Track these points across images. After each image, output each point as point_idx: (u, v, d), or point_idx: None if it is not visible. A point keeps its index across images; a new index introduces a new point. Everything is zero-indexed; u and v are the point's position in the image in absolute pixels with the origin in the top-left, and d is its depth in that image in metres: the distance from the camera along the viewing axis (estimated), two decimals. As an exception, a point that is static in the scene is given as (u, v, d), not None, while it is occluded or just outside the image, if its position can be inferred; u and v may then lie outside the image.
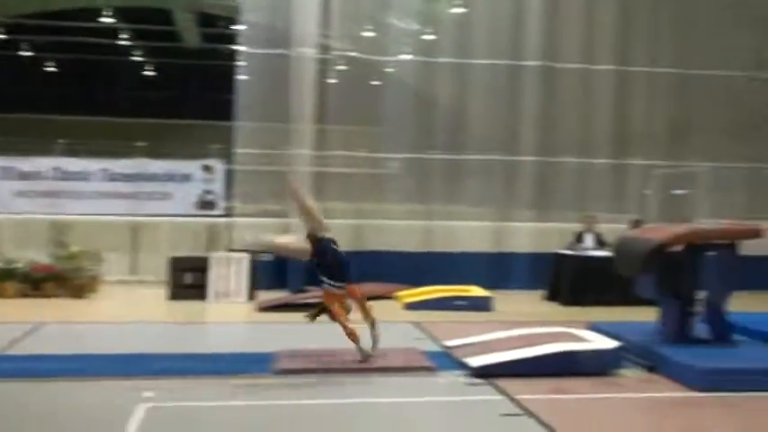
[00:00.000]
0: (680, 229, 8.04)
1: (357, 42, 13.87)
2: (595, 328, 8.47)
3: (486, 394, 6.43)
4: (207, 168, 14.15)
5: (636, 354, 7.62)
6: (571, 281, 11.71)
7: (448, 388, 6.66)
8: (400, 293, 11.52)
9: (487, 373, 6.83)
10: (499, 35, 13.38)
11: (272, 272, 12.18)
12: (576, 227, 12.57)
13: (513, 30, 13.37)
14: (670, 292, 7.74)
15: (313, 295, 11.07)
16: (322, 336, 7.59)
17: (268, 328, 9.63)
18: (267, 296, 11.36)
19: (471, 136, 13.66)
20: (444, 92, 13.91)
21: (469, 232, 13.38)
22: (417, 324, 9.53)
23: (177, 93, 30.71)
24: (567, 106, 13.90)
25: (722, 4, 13.86)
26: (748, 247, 11.67)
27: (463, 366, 7.16)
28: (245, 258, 11.66)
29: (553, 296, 12.00)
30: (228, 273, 11.62)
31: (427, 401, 6.33)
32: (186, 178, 14.08)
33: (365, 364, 7.07)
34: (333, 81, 13.40)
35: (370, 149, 13.82)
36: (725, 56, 13.93)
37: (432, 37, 14.28)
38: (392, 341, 8.11)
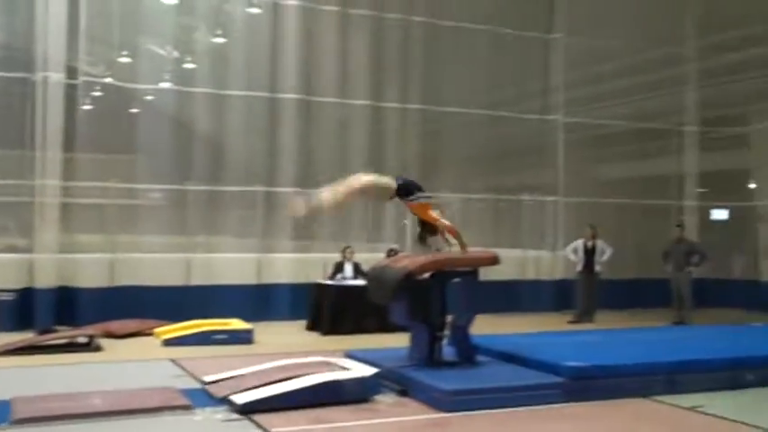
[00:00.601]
0: (427, 257, 8.47)
1: (113, 68, 13.32)
2: (351, 355, 8.70)
3: (243, 430, 6.35)
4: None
5: (390, 379, 7.89)
6: (330, 310, 11.94)
7: (204, 426, 6.49)
8: (158, 330, 11.12)
9: (250, 409, 6.74)
10: (257, 67, 13.48)
11: (16, 312, 11.30)
12: (337, 257, 12.88)
13: (271, 62, 13.53)
14: (419, 318, 8.12)
15: (61, 335, 10.44)
16: (67, 379, 7.12)
17: (6, 373, 8.85)
18: (8, 339, 10.47)
19: (231, 167, 13.58)
20: (203, 122, 13.73)
21: (230, 264, 13.27)
22: (176, 361, 9.23)
23: None
24: (324, 139, 14.25)
25: (461, 49, 14.96)
26: (492, 273, 12.65)
27: (223, 402, 7.03)
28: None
29: (314, 326, 12.17)
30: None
31: (182, 442, 6.14)
32: None
33: (117, 407, 6.71)
34: (86, 107, 12.75)
35: (126, 180, 13.27)
36: (465, 95, 15.05)
37: (191, 66, 14.07)
38: (148, 380, 7.80)
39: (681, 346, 9.31)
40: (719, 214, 18.14)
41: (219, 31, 14.02)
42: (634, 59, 15.65)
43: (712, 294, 15.36)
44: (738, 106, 16.51)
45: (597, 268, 13.80)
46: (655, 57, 15.91)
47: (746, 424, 6.71)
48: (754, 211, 16.51)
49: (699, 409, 7.25)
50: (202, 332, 10.75)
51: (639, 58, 15.70)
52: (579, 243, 13.97)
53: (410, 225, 15.88)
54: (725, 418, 6.94)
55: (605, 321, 13.20)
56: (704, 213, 17.06)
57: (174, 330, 10.95)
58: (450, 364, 8.17)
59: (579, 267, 13.89)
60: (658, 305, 14.33)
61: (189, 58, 14.18)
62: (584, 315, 13.69)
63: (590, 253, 13.78)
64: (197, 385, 7.84)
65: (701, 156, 16.65)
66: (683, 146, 16.70)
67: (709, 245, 15.35)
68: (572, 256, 14.11)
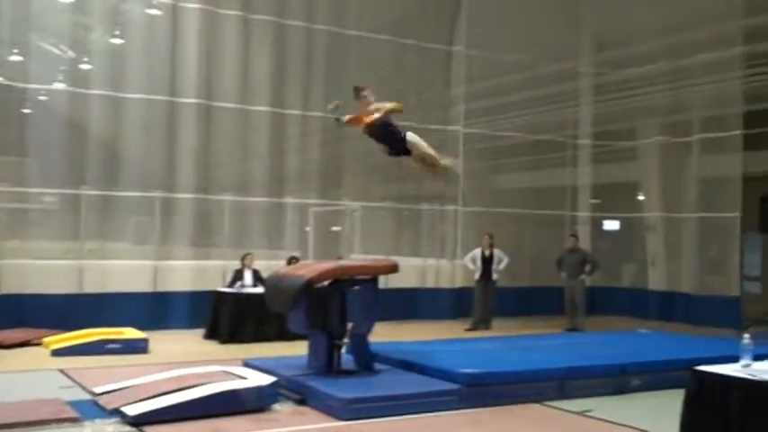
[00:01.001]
0: (326, 265, 8.47)
1: (3, 67, 12.78)
2: (249, 364, 8.60)
3: (133, 442, 6.19)
4: None
5: (288, 388, 7.84)
6: (229, 318, 11.76)
7: (93, 438, 6.31)
8: (47, 339, 10.69)
9: (142, 420, 6.57)
10: (156, 70, 13.19)
11: None
12: (237, 264, 12.71)
13: (171, 66, 13.27)
14: (318, 326, 8.10)
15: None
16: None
17: None
18: None
19: (127, 172, 13.22)
20: (99, 125, 13.30)
21: (125, 271, 12.90)
22: (65, 371, 8.90)
23: None
24: (224, 145, 14.07)
25: (364, 58, 15.05)
26: (392, 281, 12.77)
27: (114, 414, 6.82)
28: None
29: (212, 335, 11.95)
30: None
31: (69, 455, 5.93)
32: None
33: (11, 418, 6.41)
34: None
35: (17, 183, 12.74)
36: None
37: (87, 66, 13.65)
38: (35, 392, 7.51)
39: (572, 352, 9.60)
40: (611, 225, 18.84)
41: (117, 32, 13.66)
42: (532, 73, 16.10)
43: (603, 302, 15.96)
44: (628, 121, 17.21)
45: (494, 276, 14.09)
46: (551, 71, 16.42)
47: (632, 427, 6.98)
48: (642, 221, 17.22)
49: (588, 414, 7.50)
50: (94, 341, 10.40)
51: (537, 72, 16.16)
52: (477, 252, 14.24)
53: (312, 233, 15.91)
54: (612, 422, 7.20)
55: (502, 328, 13.50)
56: (597, 224, 17.68)
57: (65, 340, 10.54)
58: (349, 373, 8.18)
59: (477, 276, 14.15)
60: (552, 312, 14.75)
61: (85, 59, 13.73)
62: (482, 323, 13.94)
63: (487, 261, 14.05)
64: (87, 397, 7.58)
65: (594, 168, 17.28)
66: (577, 158, 17.29)
67: (601, 254, 15.95)
68: (470, 265, 14.36)
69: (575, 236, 14.99)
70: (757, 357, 5.44)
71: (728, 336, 11.66)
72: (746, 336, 5.45)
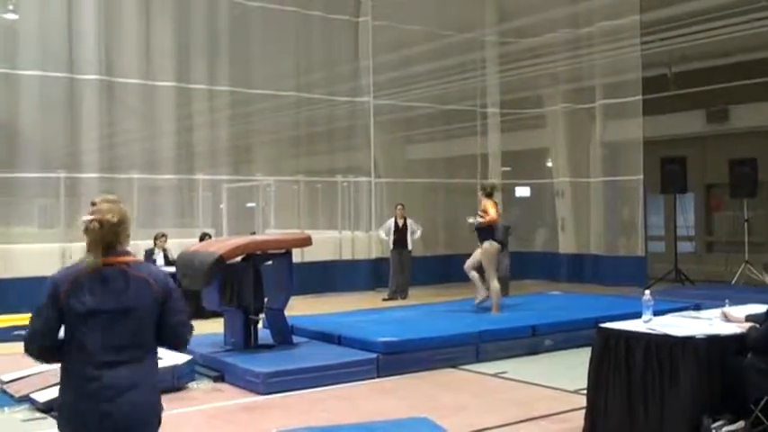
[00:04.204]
0: (238, 240, 8.40)
1: None
2: (164, 344, 8.47)
3: (45, 429, 6.03)
4: None
5: (205, 365, 7.79)
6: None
7: (2, 427, 6.12)
8: (-51, 328, 10.28)
9: (53, 406, 6.41)
10: (52, 45, 12.65)
11: None
12: (149, 244, 12.44)
13: (68, 41, 12.75)
14: (233, 302, 8.04)
15: None
16: None
17: None
18: None
19: (27, 152, 12.67)
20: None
21: (31, 255, 12.43)
22: (-33, 360, 8.61)
23: None
24: (129, 122, 13.70)
25: (270, 30, 14.87)
26: (309, 254, 12.75)
27: (24, 401, 6.65)
28: None
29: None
30: None
31: (-24, 446, 5.75)
32: None
33: None
34: None
35: None
36: (275, 77, 14.99)
37: (-21, 43, 13.03)
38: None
39: (486, 317, 9.82)
40: (522, 191, 19.24)
41: (11, 7, 13.06)
42: (438, 44, 16.22)
43: (517, 266, 16.29)
44: (534, 89, 17.56)
45: (409, 246, 14.21)
46: (457, 41, 16.58)
47: (543, 386, 7.22)
48: (552, 187, 17.65)
49: (502, 375, 7.71)
50: (1, 328, 10.05)
51: (443, 42, 16.28)
52: (390, 222, 14.33)
53: (226, 209, 15.71)
54: (524, 382, 7.43)
55: (418, 297, 13.66)
56: (508, 191, 18.01)
57: (-32, 328, 10.16)
58: (267, 347, 8.17)
59: (391, 246, 14.25)
60: (468, 279, 14.98)
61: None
62: (398, 292, 14.08)
63: (401, 231, 14.16)
64: (-8, 385, 7.37)
65: (503, 136, 17.57)
66: (486, 127, 17.53)
67: (514, 220, 16.27)
68: (383, 236, 14.46)
69: None
70: (657, 313, 5.69)
71: (635, 294, 12.11)
72: (647, 293, 5.68)
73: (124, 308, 3.13)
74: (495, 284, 10.25)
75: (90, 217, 3.16)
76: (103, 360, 3.08)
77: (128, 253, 3.24)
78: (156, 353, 3.29)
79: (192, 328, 3.40)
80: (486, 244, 10.20)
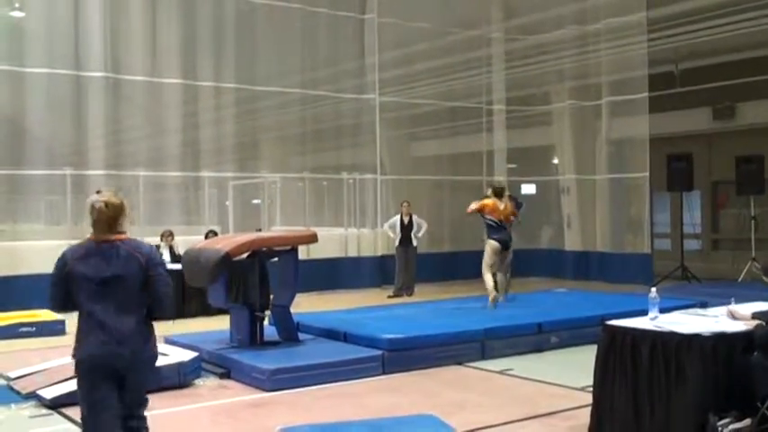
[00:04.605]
0: (244, 238, 8.41)
1: None
2: (170, 341, 8.50)
3: (52, 425, 6.05)
4: None
5: (211, 362, 7.81)
6: (149, 296, 11.55)
7: (9, 424, 6.14)
8: (-44, 325, 10.32)
9: (60, 402, 6.42)
10: (59, 43, 12.66)
11: None
12: (154, 241, 12.46)
13: (75, 38, 12.76)
14: (239, 299, 8.06)
15: None
16: None
17: None
18: None
19: (34, 149, 12.71)
20: (2, 102, 12.77)
21: (38, 252, 12.47)
22: (-23, 358, 8.66)
23: None
24: (135, 119, 13.72)
25: (276, 28, 14.86)
26: (314, 252, 12.78)
27: (31, 398, 6.68)
28: None
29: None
30: None
31: (-16, 442, 5.77)
32: None
33: None
34: None
35: None
36: (281, 74, 14.99)
37: (-15, 41, 13.06)
38: (-57, 381, 7.27)
39: (492, 314, 9.82)
40: (527, 188, 19.20)
41: (17, 4, 13.09)
42: (444, 41, 16.20)
43: (522, 263, 16.25)
44: (540, 86, 17.53)
45: (414, 243, 14.22)
46: (463, 38, 16.56)
47: (549, 383, 7.21)
48: (558, 184, 17.62)
49: (508, 372, 7.71)
50: (8, 325, 10.11)
51: (449, 39, 16.27)
52: (396, 219, 14.33)
53: (231, 206, 15.74)
54: (531, 379, 7.42)
55: (424, 294, 13.66)
56: (513, 188, 17.97)
57: (-25, 325, 10.21)
58: (273, 344, 8.18)
59: (397, 243, 14.26)
60: (473, 276, 14.98)
61: (-17, 33, 13.14)
62: (404, 289, 14.08)
63: (406, 228, 14.16)
64: (1, 382, 7.41)
65: (509, 133, 17.54)
66: (491, 124, 17.51)
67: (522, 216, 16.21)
68: (390, 233, 14.46)
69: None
70: (664, 310, 5.68)
71: (641, 291, 12.09)
72: (653, 290, 5.67)
73: (115, 275, 3.99)
74: (485, 279, 10.61)
75: (97, 197, 4.03)
76: (101, 316, 3.97)
77: (123, 232, 4.08)
78: (144, 312, 4.08)
79: (172, 303, 4.24)
80: (486, 242, 10.76)
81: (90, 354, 4.01)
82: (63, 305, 4.18)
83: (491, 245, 10.62)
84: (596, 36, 15.75)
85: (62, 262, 4.06)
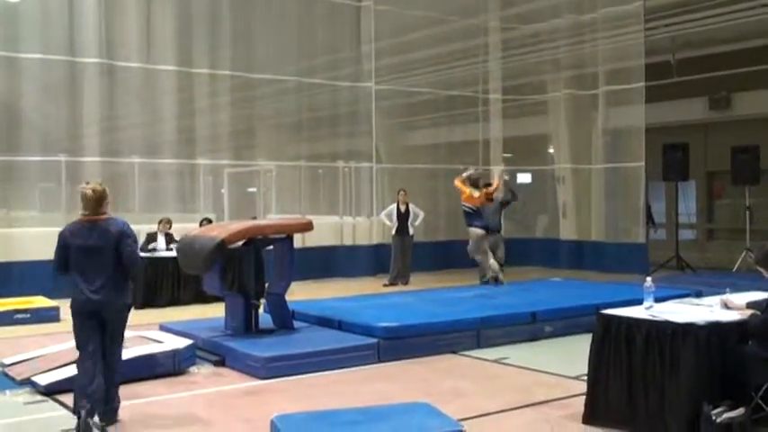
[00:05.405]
0: (239, 225, 8.40)
1: None
2: (165, 328, 8.51)
3: (47, 411, 6.05)
4: None
5: (206, 350, 7.81)
6: (143, 283, 11.53)
7: (4, 410, 6.13)
8: (-49, 312, 10.30)
9: (55, 389, 6.43)
10: (54, 29, 12.58)
11: None
12: (149, 228, 12.44)
13: (69, 24, 12.69)
14: (234, 287, 8.06)
15: None
16: None
17: None
18: None
19: (28, 136, 12.65)
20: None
21: (32, 239, 12.45)
22: (-29, 344, 8.65)
23: None
24: (130, 106, 13.66)
25: (271, 15, 14.80)
26: (310, 240, 12.78)
27: (25, 384, 6.67)
28: None
29: (126, 300, 11.71)
30: None
31: (-22, 428, 5.76)
32: None
33: None
34: None
35: None
36: (277, 61, 14.94)
37: (-21, 27, 12.98)
38: (-63, 367, 7.25)
39: (487, 303, 9.82)
40: (523, 177, 19.21)
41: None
42: (440, 29, 16.15)
43: (518, 253, 16.29)
44: (537, 75, 17.50)
45: (411, 231, 14.21)
46: (459, 27, 16.50)
47: (543, 372, 7.23)
48: (553, 174, 17.62)
49: (503, 361, 7.72)
50: (2, 312, 10.08)
51: (445, 28, 16.21)
52: (393, 208, 14.33)
53: (227, 194, 15.71)
54: (525, 368, 7.44)
55: (419, 282, 13.67)
56: (510, 177, 17.98)
57: (-30, 312, 10.19)
58: (268, 332, 8.18)
59: (393, 231, 14.25)
60: (469, 265, 15.00)
61: (-23, 19, 13.07)
62: (400, 277, 14.08)
63: (403, 217, 14.16)
64: (-5, 368, 7.40)
65: (505, 122, 17.52)
66: (488, 113, 17.48)
67: (516, 206, 16.24)
68: (386, 221, 14.46)
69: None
70: (658, 299, 5.69)
71: (636, 281, 12.12)
72: (648, 280, 5.68)
73: (97, 245, 5.45)
74: (489, 263, 11.77)
75: (85, 186, 5.59)
76: (88, 274, 5.46)
77: (105, 213, 5.53)
78: (119, 272, 5.52)
79: (139, 263, 5.78)
80: (469, 230, 11.71)
81: (78, 301, 5.50)
82: (64, 267, 5.53)
83: (474, 232, 11.56)
84: (593, 25, 15.72)
85: (62, 235, 5.56)
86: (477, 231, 11.56)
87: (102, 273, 5.43)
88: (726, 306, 5.52)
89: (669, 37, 15.19)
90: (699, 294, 8.04)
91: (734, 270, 14.26)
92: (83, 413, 5.16)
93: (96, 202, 5.46)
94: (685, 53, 15.79)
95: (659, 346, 5.07)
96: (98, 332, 5.48)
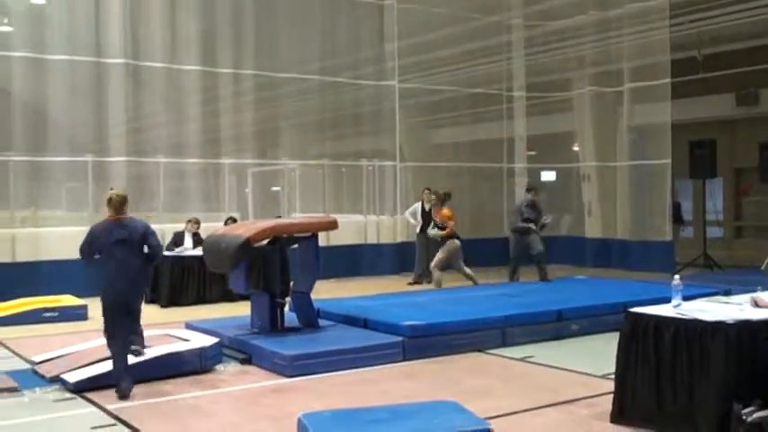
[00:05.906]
0: (265, 224, 8.42)
1: None
2: (192, 326, 8.56)
3: (76, 408, 6.11)
4: None
5: (232, 348, 7.85)
6: (170, 282, 11.63)
7: (34, 407, 6.20)
8: (-19, 311, 10.44)
9: (83, 387, 6.50)
10: (80, 30, 12.70)
11: None
12: (175, 227, 12.53)
13: (96, 25, 12.80)
14: (259, 286, 8.08)
15: None
16: None
17: None
18: None
19: (55, 136, 12.78)
20: (23, 88, 12.81)
21: (60, 238, 12.57)
22: (2, 342, 8.75)
23: None
24: (156, 106, 13.74)
25: (295, 14, 14.84)
26: (334, 238, 12.80)
27: (55, 382, 6.74)
28: None
29: (153, 299, 11.79)
30: None
31: (9, 425, 5.82)
32: None
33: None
34: None
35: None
36: (300, 60, 14.98)
37: (7, 29, 13.13)
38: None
39: (512, 301, 9.78)
40: (548, 175, 19.09)
41: (36, -8, 13.16)
42: (464, 27, 16.10)
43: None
44: (561, 72, 17.39)
45: (435, 230, 14.13)
46: (483, 25, 16.44)
47: (569, 370, 7.18)
48: (578, 171, 17.50)
49: (529, 360, 7.69)
50: (31, 310, 10.20)
51: (469, 25, 16.16)
52: (417, 206, 14.30)
53: (251, 193, 15.77)
54: (551, 366, 7.40)
55: (444, 281, 13.61)
56: (533, 175, 17.90)
57: (1, 310, 10.31)
58: (293, 330, 8.20)
59: (418, 230, 14.23)
60: (494, 263, 14.96)
61: (5, 20, 13.22)
62: (424, 276, 14.04)
63: (427, 215, 14.12)
64: (26, 366, 7.48)
65: (529, 120, 17.43)
66: (512, 111, 17.40)
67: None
68: (411, 220, 14.44)
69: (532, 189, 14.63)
70: (687, 298, 5.63)
71: (662, 279, 12.01)
72: (676, 278, 5.62)
73: (124, 237, 6.58)
74: (465, 272, 12.25)
75: (111, 191, 6.83)
76: (117, 266, 6.54)
77: (126, 213, 6.69)
78: (143, 262, 6.77)
79: (161, 248, 7.32)
80: (449, 242, 12.02)
81: (106, 290, 6.63)
82: (89, 255, 6.67)
83: (455, 243, 12.11)
84: (618, 21, 15.59)
85: (91, 231, 6.72)
86: (457, 243, 12.09)
87: (128, 263, 6.53)
88: (756, 304, 5.45)
89: (695, 32, 15.02)
90: (728, 293, 7.96)
91: (762, 268, 14.08)
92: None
93: (120, 204, 6.63)
94: (712, 49, 15.60)
95: (688, 344, 5.02)
96: (125, 317, 6.62)
